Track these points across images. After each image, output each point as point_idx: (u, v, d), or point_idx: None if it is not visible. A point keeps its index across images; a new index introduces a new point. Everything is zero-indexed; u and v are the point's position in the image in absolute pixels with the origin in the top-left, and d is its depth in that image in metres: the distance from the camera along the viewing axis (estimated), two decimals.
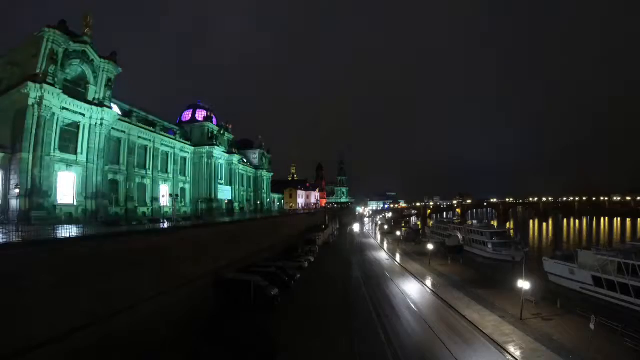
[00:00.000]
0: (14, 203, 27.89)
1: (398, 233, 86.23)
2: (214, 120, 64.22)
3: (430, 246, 52.93)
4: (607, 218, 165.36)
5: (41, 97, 28.79)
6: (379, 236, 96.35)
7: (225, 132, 67.31)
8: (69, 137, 33.01)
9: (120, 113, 41.88)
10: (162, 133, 50.79)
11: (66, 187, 32.61)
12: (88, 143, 34.37)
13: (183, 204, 55.08)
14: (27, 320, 14.18)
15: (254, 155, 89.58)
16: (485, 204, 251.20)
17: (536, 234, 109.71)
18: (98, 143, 35.14)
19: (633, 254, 31.15)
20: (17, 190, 26.90)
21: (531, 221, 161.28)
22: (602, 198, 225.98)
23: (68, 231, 19.31)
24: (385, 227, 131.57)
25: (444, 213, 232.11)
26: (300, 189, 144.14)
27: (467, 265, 49.34)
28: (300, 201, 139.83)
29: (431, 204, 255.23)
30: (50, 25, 30.00)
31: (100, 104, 35.42)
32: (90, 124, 34.58)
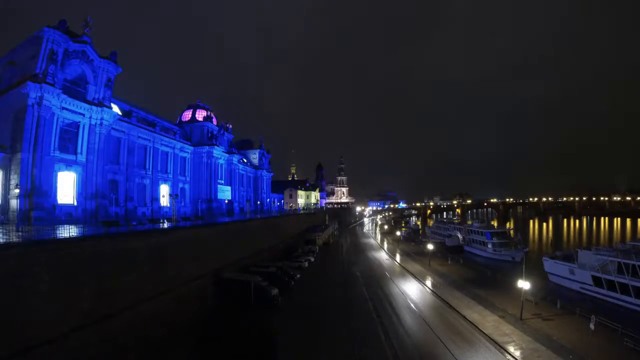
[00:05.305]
0: (14, 203, 27.88)
1: (398, 233, 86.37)
2: (214, 120, 64.21)
3: (430, 246, 53.00)
4: (607, 218, 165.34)
5: (41, 97, 28.78)
6: (379, 236, 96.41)
7: (225, 132, 67.29)
8: (69, 137, 33.01)
9: (120, 113, 41.87)
10: (162, 133, 50.80)
11: (66, 187, 32.61)
12: (88, 143, 34.38)
13: (183, 204, 55.08)
14: (27, 320, 14.18)
15: (254, 155, 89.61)
16: (485, 204, 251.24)
17: (536, 234, 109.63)
18: (98, 143, 35.14)
19: (633, 254, 31.13)
20: (17, 190, 26.88)
21: (531, 221, 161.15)
22: (602, 198, 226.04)
23: (68, 231, 19.32)
24: (385, 227, 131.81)
25: (444, 213, 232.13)
26: (300, 189, 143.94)
27: (467, 265, 49.34)
28: (300, 201, 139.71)
29: (431, 204, 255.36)
30: (50, 25, 29.99)
31: (100, 104, 35.41)
32: (90, 124, 34.59)
